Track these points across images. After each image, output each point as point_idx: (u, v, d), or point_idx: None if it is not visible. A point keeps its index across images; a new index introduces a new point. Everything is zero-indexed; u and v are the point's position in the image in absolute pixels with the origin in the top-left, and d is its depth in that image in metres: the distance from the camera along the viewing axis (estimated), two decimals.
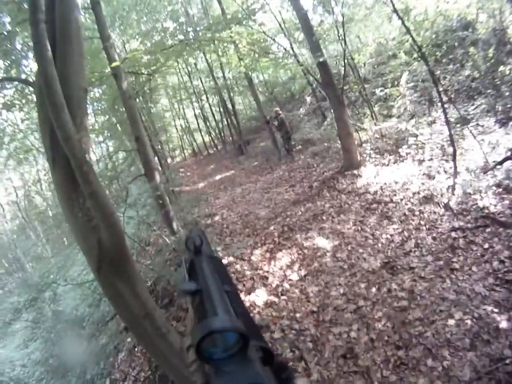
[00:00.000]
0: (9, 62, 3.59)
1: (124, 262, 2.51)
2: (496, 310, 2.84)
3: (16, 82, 4.58)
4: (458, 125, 6.00)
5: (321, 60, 6.11)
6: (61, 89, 2.16)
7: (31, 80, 3.09)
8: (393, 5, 4.87)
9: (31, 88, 4.96)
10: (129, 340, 4.65)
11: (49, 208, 14.77)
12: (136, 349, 4.57)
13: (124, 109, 5.87)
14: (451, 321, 2.89)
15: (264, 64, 8.41)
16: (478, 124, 5.83)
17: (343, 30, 6.13)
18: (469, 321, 2.83)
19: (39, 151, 9.38)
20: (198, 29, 5.68)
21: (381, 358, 2.81)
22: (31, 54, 4.14)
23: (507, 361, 2.38)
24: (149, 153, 5.07)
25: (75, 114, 2.34)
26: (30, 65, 4.74)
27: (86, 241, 2.47)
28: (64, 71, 2.36)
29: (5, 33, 3.36)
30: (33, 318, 5.65)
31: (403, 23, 4.92)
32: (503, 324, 2.68)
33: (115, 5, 8.41)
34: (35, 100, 2.73)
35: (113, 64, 4.50)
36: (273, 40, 7.59)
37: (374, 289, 3.65)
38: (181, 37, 5.94)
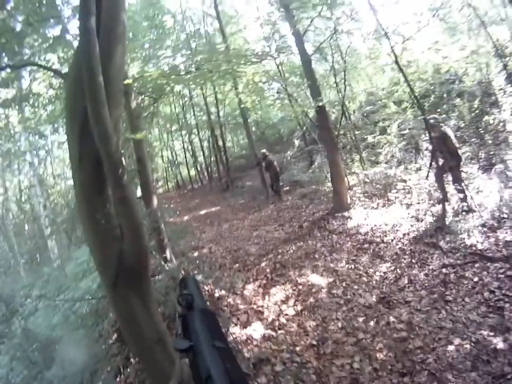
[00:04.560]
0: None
1: (142, 278, 2.33)
2: (492, 334, 2.99)
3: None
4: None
5: (320, 104, 6.52)
6: None
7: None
8: (396, 57, 5.35)
9: (33, 89, 4.91)
10: (109, 368, 4.37)
11: (26, 221, 14.12)
12: (117, 379, 4.27)
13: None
14: (451, 347, 3.00)
15: (263, 103, 8.67)
16: (462, 171, 6.28)
17: (344, 76, 6.60)
18: (467, 346, 2.94)
19: (25, 160, 9.09)
20: (211, 61, 5.80)
21: None
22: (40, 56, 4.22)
23: (508, 377, 2.50)
24: (149, 175, 5.02)
25: (112, 114, 2.22)
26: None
27: (104, 251, 2.27)
28: (107, 69, 2.27)
29: (16, 31, 3.42)
30: (0, 332, 5.23)
31: (403, 74, 5.42)
32: (500, 345, 2.83)
33: None
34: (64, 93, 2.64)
35: (125, 82, 4.51)
36: (280, 84, 7.96)
37: (372, 323, 3.70)
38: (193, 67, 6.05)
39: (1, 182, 14.51)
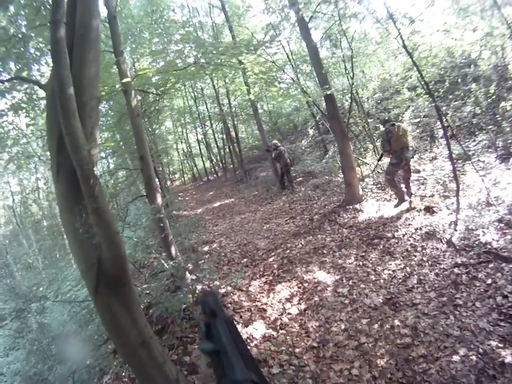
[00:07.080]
0: (20, 65, 3.55)
1: (123, 285, 2.38)
2: (501, 345, 2.77)
3: (26, 85, 4.47)
4: (459, 161, 6.08)
5: (328, 92, 6.24)
6: (74, 95, 2.09)
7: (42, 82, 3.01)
8: (403, 41, 5.04)
9: (39, 94, 4.94)
10: (116, 362, 4.44)
11: (45, 218, 14.58)
12: (123, 374, 4.34)
13: (129, 127, 5.78)
14: (456, 358, 2.80)
15: (273, 94, 8.56)
16: (479, 160, 5.92)
17: (352, 64, 6.29)
18: (474, 357, 2.74)
19: (40, 159, 9.38)
20: (212, 53, 5.64)
21: None
22: (43, 59, 4.15)
23: None
24: (152, 173, 4.94)
25: (86, 124, 2.26)
26: (41, 70, 4.62)
27: (85, 259, 2.34)
28: (79, 77, 2.30)
29: (20, 36, 3.37)
30: (17, 328, 5.39)
31: (412, 59, 5.10)
32: (509, 359, 2.61)
33: (130, 22, 8.58)
34: (43, 104, 2.64)
35: (124, 80, 4.43)
36: (283, 70, 7.76)
37: (376, 326, 3.54)
38: (192, 60, 5.95)
39: (17, 181, 14.96)
